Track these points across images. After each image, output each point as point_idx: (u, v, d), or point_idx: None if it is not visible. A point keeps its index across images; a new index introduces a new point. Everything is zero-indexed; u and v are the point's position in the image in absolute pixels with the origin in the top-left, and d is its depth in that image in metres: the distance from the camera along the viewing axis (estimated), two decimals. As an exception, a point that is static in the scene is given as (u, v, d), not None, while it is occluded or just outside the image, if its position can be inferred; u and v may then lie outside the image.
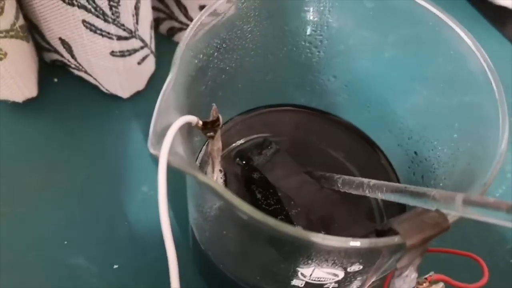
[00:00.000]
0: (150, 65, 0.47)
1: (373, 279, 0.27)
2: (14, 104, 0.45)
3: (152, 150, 0.21)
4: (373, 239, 0.21)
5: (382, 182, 0.27)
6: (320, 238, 0.20)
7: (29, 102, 0.45)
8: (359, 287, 0.27)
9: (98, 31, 0.39)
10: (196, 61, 0.28)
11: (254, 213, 0.21)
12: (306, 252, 0.23)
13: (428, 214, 0.22)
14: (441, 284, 0.25)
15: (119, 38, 0.40)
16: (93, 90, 0.47)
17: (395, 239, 0.21)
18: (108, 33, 0.39)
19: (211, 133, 0.28)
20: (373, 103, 0.37)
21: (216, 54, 0.31)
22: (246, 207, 0.21)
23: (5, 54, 0.39)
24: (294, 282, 0.26)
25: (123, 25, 0.39)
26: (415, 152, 0.34)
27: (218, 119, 0.27)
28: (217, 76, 0.32)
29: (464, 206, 0.20)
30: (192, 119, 0.25)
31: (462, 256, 0.28)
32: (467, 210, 0.20)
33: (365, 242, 0.20)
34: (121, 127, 0.46)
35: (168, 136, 0.21)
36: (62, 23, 0.40)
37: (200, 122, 0.26)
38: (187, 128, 0.25)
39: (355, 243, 0.20)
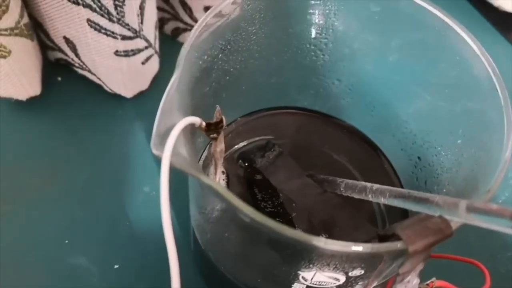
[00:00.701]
0: (154, 65, 0.47)
1: (374, 284, 0.27)
2: (17, 102, 0.44)
3: (155, 151, 0.21)
4: (376, 244, 0.21)
5: (385, 187, 0.27)
6: (322, 242, 0.20)
7: (32, 101, 0.45)
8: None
9: (103, 30, 0.39)
10: (200, 62, 0.28)
11: (255, 215, 0.21)
12: (307, 256, 0.23)
13: (431, 220, 0.22)
14: (443, 290, 0.25)
15: (124, 37, 0.40)
16: (97, 89, 0.47)
17: (398, 245, 0.21)
18: (113, 32, 0.39)
19: (214, 135, 0.28)
20: (377, 107, 0.37)
21: (220, 55, 0.31)
22: (248, 209, 0.21)
23: (10, 52, 0.39)
24: (295, 285, 0.26)
25: (127, 24, 0.39)
26: (419, 157, 0.34)
27: (221, 120, 0.27)
28: (221, 77, 0.32)
29: (468, 213, 0.20)
30: (196, 120, 0.25)
31: (464, 263, 0.28)
32: (470, 217, 0.20)
33: (367, 247, 0.20)
34: (124, 127, 0.46)
35: (171, 137, 0.21)
36: (67, 22, 0.40)
37: (204, 124, 0.26)
38: (190, 129, 0.25)
39: (357, 247, 0.20)
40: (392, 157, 0.37)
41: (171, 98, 0.23)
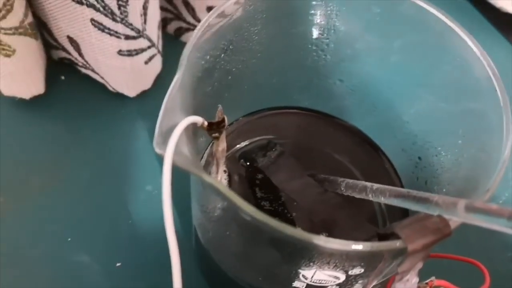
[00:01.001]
0: (157, 64, 0.47)
1: (374, 283, 0.27)
2: (21, 101, 0.45)
3: (157, 150, 0.21)
4: (375, 243, 0.21)
5: (385, 186, 0.27)
6: (322, 241, 0.21)
7: (35, 99, 0.45)
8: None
9: (106, 30, 0.39)
10: (202, 62, 0.29)
11: (257, 214, 0.21)
12: (308, 254, 0.23)
13: (430, 220, 0.22)
14: (442, 290, 0.25)
15: (127, 37, 0.40)
16: (100, 88, 0.47)
17: (397, 244, 0.21)
18: (116, 32, 0.40)
19: (216, 134, 0.28)
20: (378, 108, 0.37)
21: (222, 55, 0.31)
22: (249, 208, 0.21)
23: (14, 51, 0.39)
24: (296, 284, 0.26)
25: (131, 24, 0.40)
26: (419, 157, 0.34)
27: (223, 120, 0.27)
28: (223, 77, 0.32)
29: (466, 213, 0.20)
30: (198, 119, 0.25)
31: (463, 262, 0.28)
32: (469, 217, 0.20)
33: (367, 245, 0.21)
34: (127, 126, 0.46)
35: (173, 136, 0.21)
36: (71, 22, 0.40)
37: (206, 123, 0.26)
38: (192, 129, 0.26)
39: (357, 246, 0.21)
40: (393, 157, 0.37)
41: (173, 98, 0.24)
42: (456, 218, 0.21)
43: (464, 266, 0.27)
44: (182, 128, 0.22)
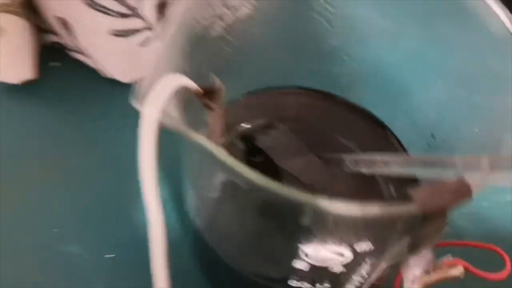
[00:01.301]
0: (155, 48, 0.45)
1: (384, 266, 0.25)
2: (12, 88, 0.43)
3: (136, 104, 0.19)
4: (384, 206, 0.18)
5: (396, 156, 0.25)
6: (327, 203, 0.18)
7: (27, 86, 0.44)
8: (369, 272, 0.25)
9: (97, 7, 0.38)
10: (197, 27, 0.27)
11: (257, 178, 0.19)
12: (308, 223, 0.21)
13: (448, 183, 0.20)
14: (461, 268, 0.23)
15: (119, 15, 0.39)
16: (94, 74, 0.46)
17: (410, 207, 0.19)
18: (108, 9, 0.38)
19: (211, 104, 0.26)
20: (390, 89, 0.35)
21: (221, 23, 0.29)
22: (246, 170, 0.19)
23: (4, 31, 0.38)
24: (297, 264, 0.24)
25: (124, 0, 0.38)
26: (431, 144, 0.32)
27: (219, 89, 0.25)
28: (222, 48, 0.30)
29: (491, 169, 0.18)
30: (191, 84, 0.23)
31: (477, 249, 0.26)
32: (495, 173, 0.18)
33: (375, 208, 0.18)
34: (122, 113, 0.44)
35: (162, 81, 0.19)
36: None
37: (200, 90, 0.24)
38: (184, 99, 0.23)
39: (366, 209, 0.18)
40: (405, 141, 0.35)
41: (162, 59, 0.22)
42: (479, 179, 0.19)
43: (478, 252, 0.25)
44: (172, 83, 0.20)
